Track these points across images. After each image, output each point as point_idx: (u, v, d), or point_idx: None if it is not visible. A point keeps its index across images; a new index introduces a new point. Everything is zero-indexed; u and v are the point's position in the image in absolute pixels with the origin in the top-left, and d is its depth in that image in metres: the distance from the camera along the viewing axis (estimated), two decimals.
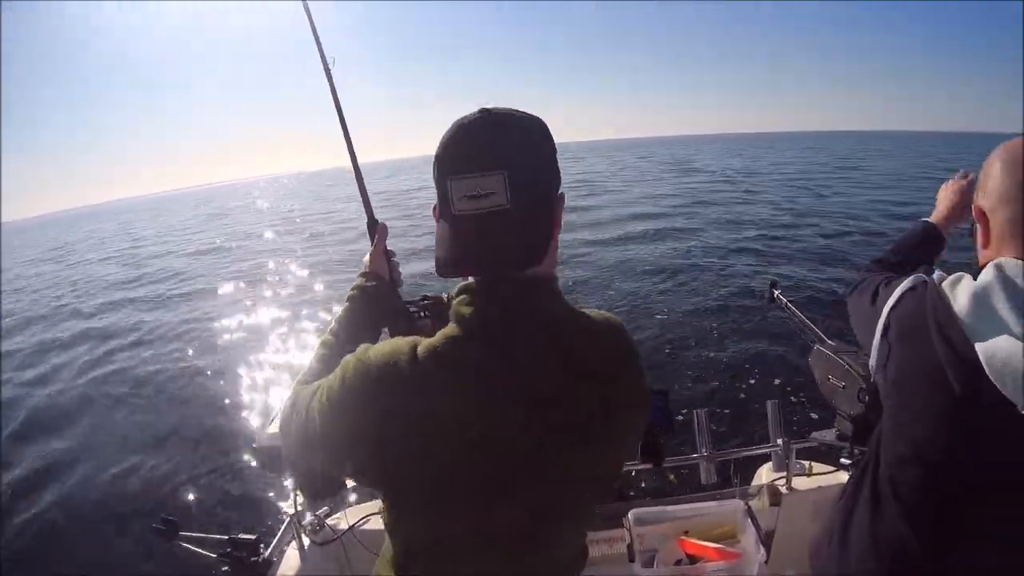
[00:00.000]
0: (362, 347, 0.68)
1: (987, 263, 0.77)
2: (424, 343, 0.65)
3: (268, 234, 20.81)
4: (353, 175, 1.17)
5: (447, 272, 0.66)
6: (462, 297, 0.68)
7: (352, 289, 0.97)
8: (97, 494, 4.50)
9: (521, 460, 0.65)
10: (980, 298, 0.73)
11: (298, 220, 25.61)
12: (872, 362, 0.88)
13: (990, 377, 0.69)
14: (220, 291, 11.55)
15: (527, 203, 0.65)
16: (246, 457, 4.53)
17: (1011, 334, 0.69)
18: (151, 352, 7.94)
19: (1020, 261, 0.73)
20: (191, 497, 4.30)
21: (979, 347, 0.71)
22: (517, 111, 0.70)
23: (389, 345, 0.66)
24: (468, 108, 0.69)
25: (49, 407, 6.47)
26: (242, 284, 11.97)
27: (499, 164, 0.64)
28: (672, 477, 3.42)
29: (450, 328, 0.66)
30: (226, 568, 1.46)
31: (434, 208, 0.71)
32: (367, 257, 1.03)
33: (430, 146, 0.76)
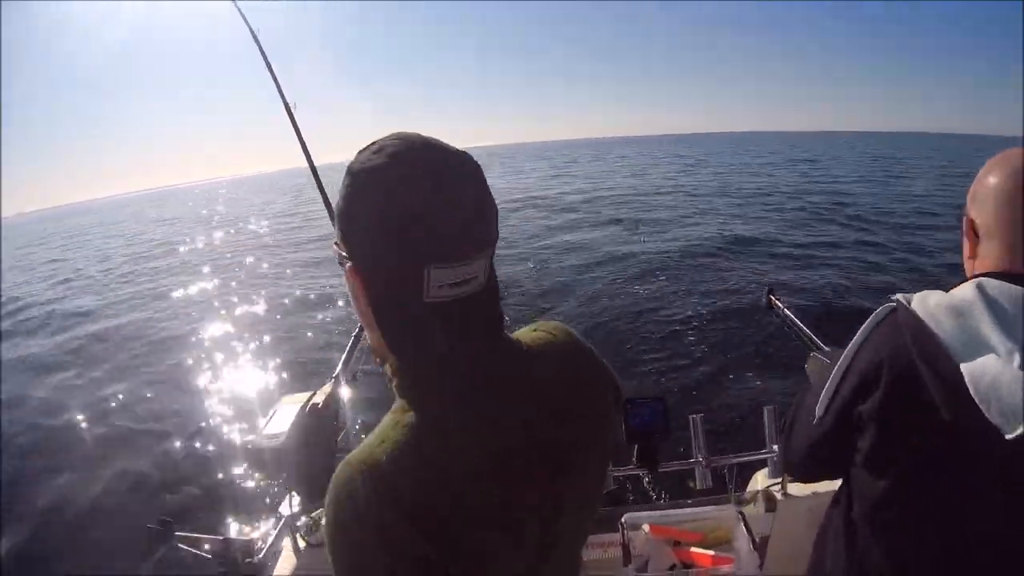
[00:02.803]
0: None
1: (972, 276, 0.77)
2: (373, 458, 0.51)
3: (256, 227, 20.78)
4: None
5: (434, 372, 0.56)
6: (415, 378, 0.57)
7: None
8: (91, 495, 4.47)
9: (523, 499, 0.58)
10: (962, 317, 0.70)
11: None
12: (825, 401, 0.84)
13: (975, 400, 0.65)
14: (211, 289, 11.52)
15: (491, 269, 0.57)
16: (241, 458, 4.51)
17: (996, 354, 0.66)
18: (145, 349, 7.91)
19: (1002, 282, 0.71)
20: (186, 498, 4.28)
21: (964, 368, 0.67)
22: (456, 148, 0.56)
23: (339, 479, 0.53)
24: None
25: (44, 407, 6.43)
26: (232, 283, 11.93)
27: (489, 243, 0.55)
28: (667, 482, 3.42)
29: (408, 416, 0.54)
30: (221, 569, 1.46)
31: (352, 270, 0.55)
32: None
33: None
